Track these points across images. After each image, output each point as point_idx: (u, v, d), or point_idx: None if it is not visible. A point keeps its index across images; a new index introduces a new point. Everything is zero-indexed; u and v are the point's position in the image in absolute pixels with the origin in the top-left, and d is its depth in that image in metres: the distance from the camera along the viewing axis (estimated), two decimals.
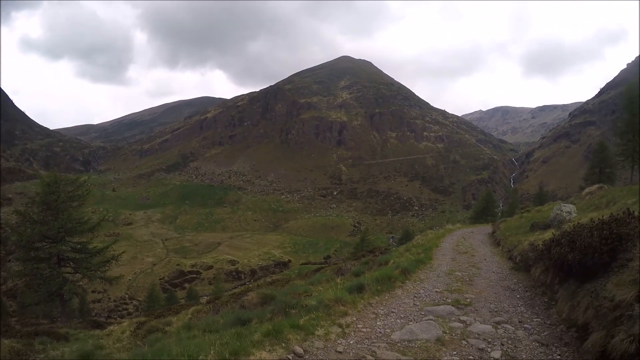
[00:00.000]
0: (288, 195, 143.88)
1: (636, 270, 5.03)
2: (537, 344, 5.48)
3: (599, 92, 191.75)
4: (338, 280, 11.06)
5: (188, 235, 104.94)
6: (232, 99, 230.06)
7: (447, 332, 5.90)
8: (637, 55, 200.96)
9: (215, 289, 54.48)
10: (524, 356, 5.06)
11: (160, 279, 75.98)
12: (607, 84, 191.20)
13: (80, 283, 27.23)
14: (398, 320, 6.40)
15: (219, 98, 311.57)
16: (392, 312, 6.85)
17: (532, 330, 6.08)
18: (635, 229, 6.04)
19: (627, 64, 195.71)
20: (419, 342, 5.45)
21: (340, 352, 4.98)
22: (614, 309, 4.72)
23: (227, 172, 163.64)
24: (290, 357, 4.61)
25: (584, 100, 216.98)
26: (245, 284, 69.67)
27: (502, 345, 5.41)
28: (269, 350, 4.62)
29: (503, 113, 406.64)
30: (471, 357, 5.01)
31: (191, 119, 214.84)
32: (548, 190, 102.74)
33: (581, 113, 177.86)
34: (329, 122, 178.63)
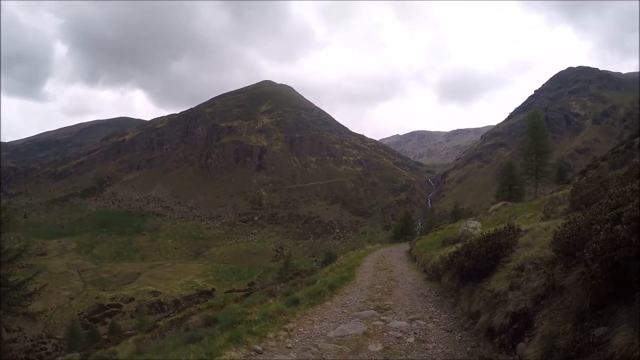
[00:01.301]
0: (209, 222, 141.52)
1: (511, 269, 6.80)
2: (443, 331, 7.09)
3: (508, 116, 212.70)
4: (271, 301, 12.18)
5: (106, 266, 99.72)
6: (151, 121, 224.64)
7: (371, 328, 7.33)
8: (543, 83, 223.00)
9: (139, 322, 52.56)
10: (432, 340, 6.62)
11: (79, 314, 71.70)
12: (515, 108, 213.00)
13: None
14: (331, 324, 7.71)
15: (138, 119, 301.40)
16: (325, 318, 8.16)
17: (440, 322, 7.70)
18: (512, 239, 7.94)
19: (535, 91, 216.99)
20: (349, 336, 6.82)
21: (290, 348, 6.21)
22: (495, 297, 6.44)
23: (145, 197, 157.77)
24: (252, 354, 5.79)
25: (495, 123, 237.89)
26: (169, 315, 67.68)
27: (415, 334, 6.94)
28: (235, 350, 5.76)
29: (419, 137, 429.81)
30: (391, 343, 6.48)
31: (108, 140, 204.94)
32: (463, 207, 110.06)
33: (492, 135, 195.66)
34: (249, 147, 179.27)
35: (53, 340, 62.47)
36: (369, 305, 9.27)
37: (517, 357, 4.89)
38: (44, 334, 64.51)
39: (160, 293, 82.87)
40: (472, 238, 10.32)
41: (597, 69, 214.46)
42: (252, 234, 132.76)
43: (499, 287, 6.55)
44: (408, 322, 7.67)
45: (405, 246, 34.15)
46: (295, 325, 7.50)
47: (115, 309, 76.12)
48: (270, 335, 6.70)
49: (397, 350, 6.15)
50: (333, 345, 6.38)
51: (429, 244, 21.75)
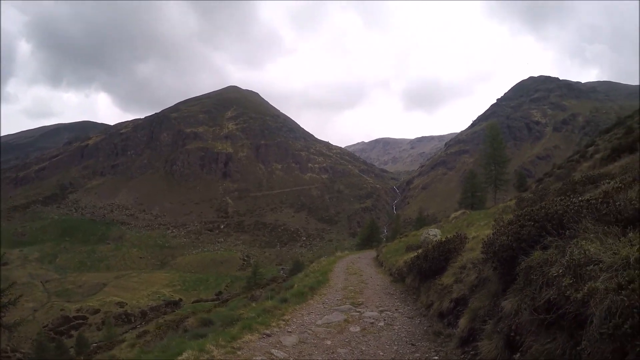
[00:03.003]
0: (174, 230, 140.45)
1: (456, 267, 8.96)
2: (406, 318, 9.18)
3: (471, 123, 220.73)
4: (254, 305, 14.02)
5: (70, 276, 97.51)
6: (115, 126, 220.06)
7: (350, 317, 9.32)
8: (505, 91, 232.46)
9: (107, 334, 52.35)
10: (397, 324, 8.69)
11: (44, 327, 70.26)
12: (478, 116, 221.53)
13: None
14: (317, 315, 9.65)
15: (102, 123, 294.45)
16: (311, 312, 10.09)
17: (403, 312, 9.78)
18: (459, 245, 10.13)
19: (497, 99, 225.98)
20: (334, 323, 8.81)
21: (290, 332, 8.14)
22: (444, 289, 8.59)
23: (109, 205, 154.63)
24: (263, 336, 7.72)
25: (458, 131, 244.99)
26: (136, 327, 67.56)
27: (385, 320, 9.00)
28: (250, 335, 7.67)
29: (384, 144, 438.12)
30: (366, 326, 8.51)
31: (71, 145, 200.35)
32: (428, 214, 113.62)
33: (456, 143, 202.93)
34: (214, 154, 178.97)
35: (18, 355, 61.05)
36: (345, 302, 11.21)
37: (458, 329, 6.97)
38: (8, 347, 62.50)
39: (127, 304, 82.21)
40: (430, 245, 12.53)
41: (557, 79, 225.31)
42: (218, 242, 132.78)
43: (447, 281, 8.74)
44: (378, 313, 9.71)
45: (372, 253, 36.46)
46: (289, 317, 9.40)
47: (80, 321, 74.91)
48: (273, 324, 8.61)
49: (371, 330, 8.19)
50: (322, 328, 8.36)
51: (394, 250, 24.02)
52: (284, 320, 8.98)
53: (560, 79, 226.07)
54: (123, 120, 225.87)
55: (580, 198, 4.91)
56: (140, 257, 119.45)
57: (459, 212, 35.36)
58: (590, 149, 41.54)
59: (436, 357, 6.46)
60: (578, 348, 2.89)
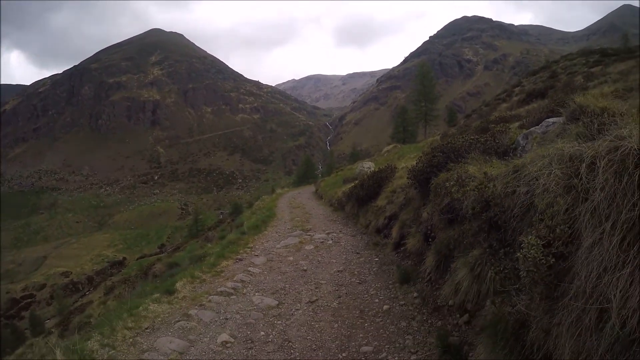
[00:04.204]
0: (107, 188, 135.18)
1: (388, 192, 10.94)
2: (350, 237, 11.17)
3: (403, 60, 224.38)
4: (210, 245, 15.61)
5: (8, 255, 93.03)
6: (32, 85, 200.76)
7: (303, 240, 11.19)
8: (438, 29, 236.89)
9: (59, 307, 50.49)
10: (343, 241, 10.66)
11: None
12: (410, 53, 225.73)
13: None
14: (275, 242, 11.41)
15: (17, 85, 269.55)
16: (269, 239, 11.85)
17: (347, 233, 11.77)
18: (390, 174, 12.10)
19: (430, 37, 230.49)
20: (291, 245, 10.64)
21: (257, 255, 9.89)
22: (379, 210, 10.58)
23: (36, 172, 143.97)
24: (236, 261, 9.39)
25: (390, 67, 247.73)
26: (85, 294, 66.65)
27: (332, 239, 10.94)
28: (225, 260, 9.33)
29: (315, 81, 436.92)
30: (318, 244, 10.44)
31: None
32: (361, 149, 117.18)
33: (388, 79, 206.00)
34: (141, 102, 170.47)
35: None
36: (296, 229, 13.01)
37: (391, 238, 8.94)
38: None
39: (72, 272, 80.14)
40: (365, 175, 14.50)
41: (490, 19, 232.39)
42: (154, 194, 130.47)
43: (381, 203, 10.74)
44: (326, 235, 11.62)
45: (310, 188, 38.62)
46: (253, 244, 11.12)
47: (29, 300, 72.17)
48: (241, 251, 10.30)
49: (323, 247, 10.11)
50: (283, 249, 10.18)
51: (332, 184, 26.11)
52: (249, 248, 10.69)
53: (494, 20, 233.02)
54: (41, 78, 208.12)
55: (473, 136, 6.77)
56: (77, 222, 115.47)
57: (391, 146, 37.98)
58: (517, 89, 44.96)
59: (376, 259, 8.45)
60: (462, 227, 4.76)
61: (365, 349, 4.83)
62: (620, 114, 3.59)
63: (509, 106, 23.63)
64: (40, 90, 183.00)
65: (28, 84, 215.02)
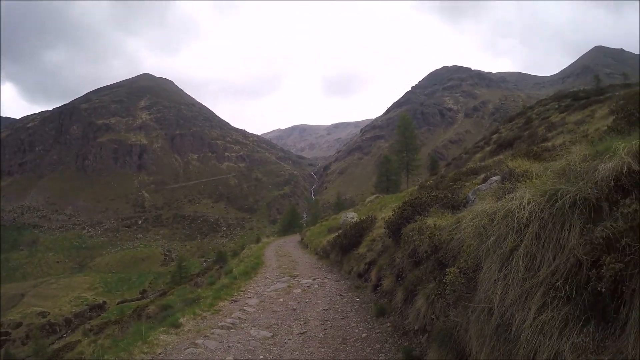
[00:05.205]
0: (90, 230, 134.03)
1: (368, 241, 12.23)
2: (334, 282, 12.32)
3: (386, 110, 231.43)
4: (200, 290, 16.60)
5: None
6: (21, 119, 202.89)
7: (291, 284, 12.31)
8: (420, 80, 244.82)
9: (35, 347, 50.25)
10: (328, 285, 11.79)
11: None
12: (393, 103, 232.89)
13: None
14: (265, 286, 12.51)
15: (7, 117, 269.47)
16: (260, 284, 12.94)
17: (331, 279, 12.92)
18: (370, 224, 13.44)
19: (411, 87, 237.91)
20: (280, 289, 11.75)
21: (250, 297, 10.96)
22: (360, 257, 11.82)
23: (19, 207, 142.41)
24: (232, 301, 10.47)
25: (374, 117, 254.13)
26: (62, 336, 65.60)
27: (318, 284, 12.08)
28: (222, 301, 10.41)
29: (300, 131, 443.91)
30: (305, 288, 11.58)
31: None
32: (346, 198, 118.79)
33: (371, 128, 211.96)
34: (128, 146, 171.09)
35: None
36: (284, 276, 14.12)
37: (370, 281, 10.14)
38: None
39: (49, 313, 78.50)
40: (347, 225, 15.84)
41: (469, 68, 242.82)
42: (137, 238, 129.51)
43: (362, 251, 12.03)
44: (312, 280, 12.76)
45: (295, 237, 39.84)
46: (245, 288, 12.21)
47: (4, 337, 71.29)
48: (235, 294, 11.39)
49: (309, 290, 11.26)
50: (273, 293, 11.29)
51: (317, 233, 27.34)
52: (242, 291, 11.78)
53: (472, 68, 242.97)
54: (30, 113, 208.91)
55: (434, 193, 8.20)
56: (57, 262, 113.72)
57: (374, 196, 39.57)
58: (494, 135, 47.39)
59: (357, 299, 9.64)
60: (423, 267, 6.06)
61: None
62: (536, 176, 4.96)
63: (482, 156, 25.41)
64: (29, 125, 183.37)
65: (17, 118, 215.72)
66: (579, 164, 3.27)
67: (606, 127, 7.30)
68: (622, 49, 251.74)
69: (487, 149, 28.60)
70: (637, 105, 5.90)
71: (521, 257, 3.10)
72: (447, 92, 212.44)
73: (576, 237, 2.83)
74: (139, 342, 7.44)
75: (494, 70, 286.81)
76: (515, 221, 3.31)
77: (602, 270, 2.54)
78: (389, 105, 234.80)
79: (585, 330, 2.57)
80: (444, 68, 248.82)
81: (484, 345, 3.30)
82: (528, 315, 2.85)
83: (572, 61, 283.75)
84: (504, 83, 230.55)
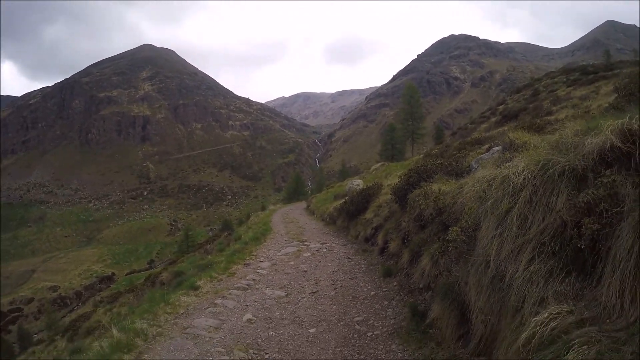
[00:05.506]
0: (96, 203, 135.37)
1: (375, 206, 12.70)
2: (341, 246, 12.87)
3: (392, 78, 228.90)
4: (209, 257, 17.21)
5: None
6: (23, 97, 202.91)
7: (300, 249, 12.87)
8: (426, 48, 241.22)
9: (48, 321, 50.82)
10: (336, 249, 12.34)
11: None
12: (399, 71, 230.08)
13: None
14: (275, 251, 13.07)
15: (8, 96, 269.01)
16: (270, 249, 13.51)
17: (339, 243, 13.49)
18: (377, 190, 13.89)
19: (418, 55, 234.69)
20: (290, 252, 12.31)
21: (262, 261, 11.52)
22: (366, 222, 12.32)
23: (24, 184, 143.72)
24: (245, 265, 11.03)
25: (379, 85, 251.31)
26: (73, 309, 67.04)
27: (326, 248, 12.63)
28: (235, 265, 10.97)
29: (305, 98, 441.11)
30: (314, 252, 12.13)
31: None
32: (350, 166, 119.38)
33: (376, 96, 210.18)
34: (131, 117, 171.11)
35: None
36: (292, 241, 14.69)
37: (377, 245, 10.66)
38: None
39: (60, 287, 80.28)
40: (354, 192, 16.32)
41: (477, 37, 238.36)
42: (143, 210, 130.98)
43: (368, 216, 12.52)
44: (320, 245, 13.32)
45: (300, 204, 40.46)
46: (256, 253, 12.78)
47: (16, 314, 72.72)
48: (247, 258, 11.97)
49: (318, 254, 11.82)
50: (284, 256, 11.86)
51: (323, 200, 27.87)
52: (254, 255, 12.35)
53: (480, 38, 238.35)
54: (31, 90, 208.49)
55: (439, 161, 8.61)
56: (65, 236, 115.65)
57: (379, 164, 39.97)
58: (501, 106, 47.22)
59: (365, 262, 10.17)
60: (428, 229, 6.53)
61: (357, 319, 6.54)
62: (533, 147, 5.37)
63: (488, 127, 25.65)
64: (30, 103, 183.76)
65: (19, 96, 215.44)
66: (571, 138, 3.68)
67: (607, 104, 7.64)
68: (634, 25, 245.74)
69: (493, 119, 28.76)
70: (638, 84, 6.21)
71: (515, 218, 3.55)
72: (453, 61, 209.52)
73: (563, 202, 3.27)
74: (161, 303, 7.99)
75: (502, 40, 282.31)
76: (511, 186, 3.74)
77: (582, 230, 2.99)
78: (395, 73, 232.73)
79: (567, 280, 3.05)
80: (452, 36, 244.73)
81: (481, 294, 3.78)
82: (519, 267, 3.31)
83: (583, 34, 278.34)
84: (512, 53, 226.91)
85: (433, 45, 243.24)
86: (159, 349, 6.00)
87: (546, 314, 2.76)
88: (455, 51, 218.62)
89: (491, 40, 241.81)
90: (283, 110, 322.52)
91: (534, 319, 2.82)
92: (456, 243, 4.25)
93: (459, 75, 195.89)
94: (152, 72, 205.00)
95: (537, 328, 2.73)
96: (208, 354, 5.75)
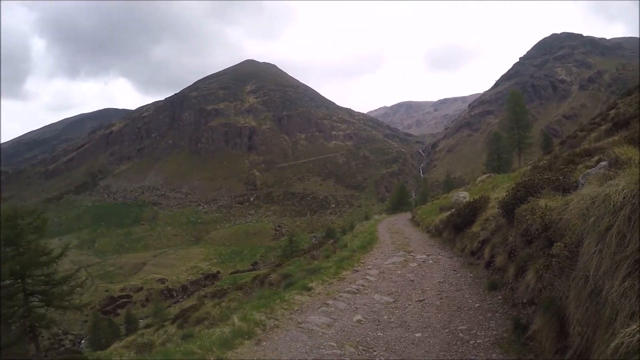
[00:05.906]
0: (205, 206, 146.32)
1: (482, 220, 12.79)
2: (447, 258, 13.11)
3: (495, 83, 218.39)
4: (316, 262, 18.12)
5: (110, 259, 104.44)
6: (136, 110, 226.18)
7: (407, 259, 13.32)
8: (528, 50, 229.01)
9: (155, 308, 54.36)
10: (442, 261, 12.63)
11: (91, 308, 75.26)
12: (501, 76, 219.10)
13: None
14: (382, 260, 13.65)
15: (123, 109, 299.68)
16: (377, 257, 14.11)
17: (444, 255, 13.72)
18: (484, 204, 13.95)
19: (520, 58, 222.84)
20: (397, 262, 12.82)
21: (369, 268, 12.18)
22: (473, 235, 12.47)
23: (139, 187, 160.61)
24: (354, 271, 11.76)
25: (482, 91, 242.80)
26: (178, 300, 72.47)
27: (432, 260, 12.96)
28: (344, 271, 11.75)
29: (406, 108, 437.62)
30: (420, 263, 12.53)
31: (95, 133, 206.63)
32: (455, 176, 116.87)
33: (480, 104, 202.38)
34: (238, 128, 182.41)
35: (70, 336, 66.16)
36: (399, 251, 15.17)
37: (483, 259, 10.84)
38: (60, 331, 64.94)
39: (167, 280, 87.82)
40: (460, 205, 16.44)
41: (580, 35, 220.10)
42: (249, 214, 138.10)
43: (475, 230, 12.65)
44: (426, 256, 13.66)
45: (405, 215, 40.66)
46: (364, 261, 13.47)
47: (125, 300, 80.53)
48: (356, 265, 12.70)
49: (425, 265, 12.21)
50: (391, 265, 12.41)
51: (428, 211, 27.92)
52: (362, 263, 13.04)
53: (584, 35, 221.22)
54: (144, 104, 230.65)
55: (546, 176, 8.69)
56: (175, 235, 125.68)
57: (485, 175, 38.92)
58: (612, 112, 43.86)
59: (470, 275, 10.41)
60: (534, 244, 6.78)
61: (461, 327, 6.93)
62: (636, 164, 5.48)
63: (597, 135, 24.12)
64: (144, 115, 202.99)
65: (133, 109, 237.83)
66: None
67: None
68: None
69: (603, 127, 26.83)
70: None
71: (614, 235, 3.85)
72: (558, 62, 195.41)
73: None
74: (277, 300, 8.97)
75: (608, 36, 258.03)
76: (611, 204, 4.03)
77: None
78: (497, 78, 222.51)
79: None
80: (553, 36, 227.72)
81: (579, 307, 4.09)
82: (615, 282, 3.62)
83: None
84: (620, 50, 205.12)
85: (535, 46, 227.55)
86: (276, 338, 6.91)
87: (635, 326, 3.10)
88: (559, 51, 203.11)
89: (596, 37, 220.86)
90: (385, 119, 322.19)
91: (624, 330, 3.18)
92: (559, 258, 4.57)
93: (565, 78, 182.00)
94: (256, 85, 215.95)
95: (625, 339, 3.08)
96: (321, 347, 6.52)
